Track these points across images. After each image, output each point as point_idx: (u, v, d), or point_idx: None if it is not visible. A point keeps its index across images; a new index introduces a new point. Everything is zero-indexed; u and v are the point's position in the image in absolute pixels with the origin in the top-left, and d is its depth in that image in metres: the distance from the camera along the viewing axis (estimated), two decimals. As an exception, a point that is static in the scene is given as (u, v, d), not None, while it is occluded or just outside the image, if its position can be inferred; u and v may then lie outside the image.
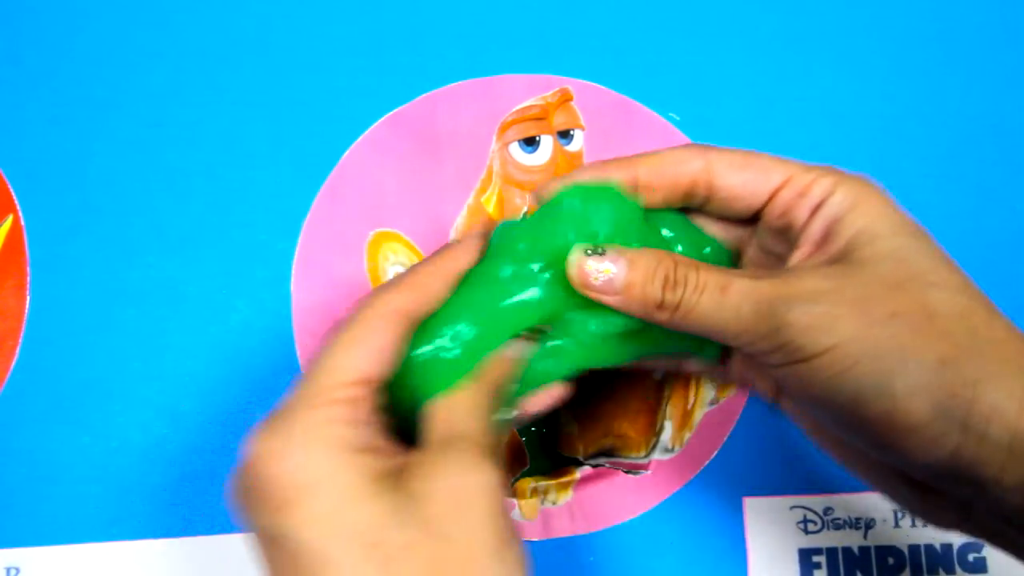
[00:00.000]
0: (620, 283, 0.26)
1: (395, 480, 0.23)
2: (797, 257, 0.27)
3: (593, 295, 0.26)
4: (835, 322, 0.23)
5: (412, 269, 0.27)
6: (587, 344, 0.28)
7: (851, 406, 0.23)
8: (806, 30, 0.40)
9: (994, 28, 0.40)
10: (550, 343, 0.28)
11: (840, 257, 0.25)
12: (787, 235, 0.27)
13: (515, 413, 0.30)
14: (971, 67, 0.40)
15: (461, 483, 0.23)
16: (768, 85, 0.39)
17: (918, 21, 0.40)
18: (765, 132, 0.39)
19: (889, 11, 0.41)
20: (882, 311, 0.23)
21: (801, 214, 0.26)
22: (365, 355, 0.24)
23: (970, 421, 0.22)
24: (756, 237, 0.29)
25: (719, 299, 0.25)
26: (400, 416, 0.26)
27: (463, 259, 0.27)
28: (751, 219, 0.28)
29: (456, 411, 0.25)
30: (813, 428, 0.29)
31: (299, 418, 0.23)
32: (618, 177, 0.27)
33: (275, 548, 0.22)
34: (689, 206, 0.29)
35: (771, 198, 0.27)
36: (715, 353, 0.30)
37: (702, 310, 0.25)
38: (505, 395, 0.27)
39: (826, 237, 0.26)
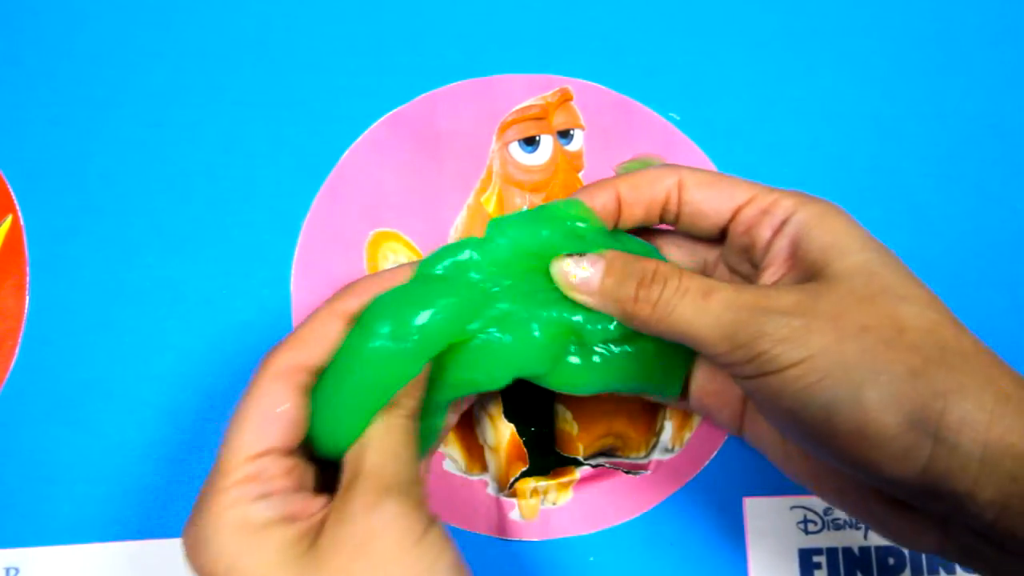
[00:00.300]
0: (596, 281, 0.27)
1: (312, 539, 0.24)
2: (768, 275, 0.27)
3: (573, 295, 0.28)
4: (809, 335, 0.24)
5: (308, 317, 0.27)
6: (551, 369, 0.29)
7: (822, 418, 0.23)
8: (806, 30, 0.40)
9: (994, 28, 0.40)
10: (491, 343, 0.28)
11: (811, 273, 0.26)
12: (751, 253, 0.28)
13: (451, 418, 0.31)
14: (971, 67, 0.40)
15: (362, 527, 0.23)
16: (768, 85, 0.39)
17: (918, 21, 0.40)
18: (765, 132, 0.39)
19: (889, 11, 0.41)
20: (853, 325, 0.24)
21: (764, 232, 0.27)
22: (263, 425, 0.25)
23: (941, 433, 0.22)
24: (723, 257, 0.30)
25: (701, 304, 0.25)
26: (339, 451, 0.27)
27: (354, 302, 0.27)
28: (718, 239, 0.29)
29: (364, 449, 0.26)
30: (782, 457, 0.29)
31: (210, 505, 0.24)
32: (604, 199, 0.29)
33: None
34: (664, 221, 0.30)
35: (735, 215, 0.28)
36: (676, 391, 0.31)
37: (682, 312, 0.25)
38: (426, 411, 0.28)
39: (793, 253, 0.27)
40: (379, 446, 0.25)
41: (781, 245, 0.27)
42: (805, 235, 0.26)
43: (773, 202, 0.27)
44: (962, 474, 0.22)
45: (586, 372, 0.29)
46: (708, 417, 0.32)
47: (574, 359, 0.29)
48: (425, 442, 0.30)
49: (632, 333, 0.28)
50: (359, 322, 0.27)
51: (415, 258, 0.37)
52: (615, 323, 0.28)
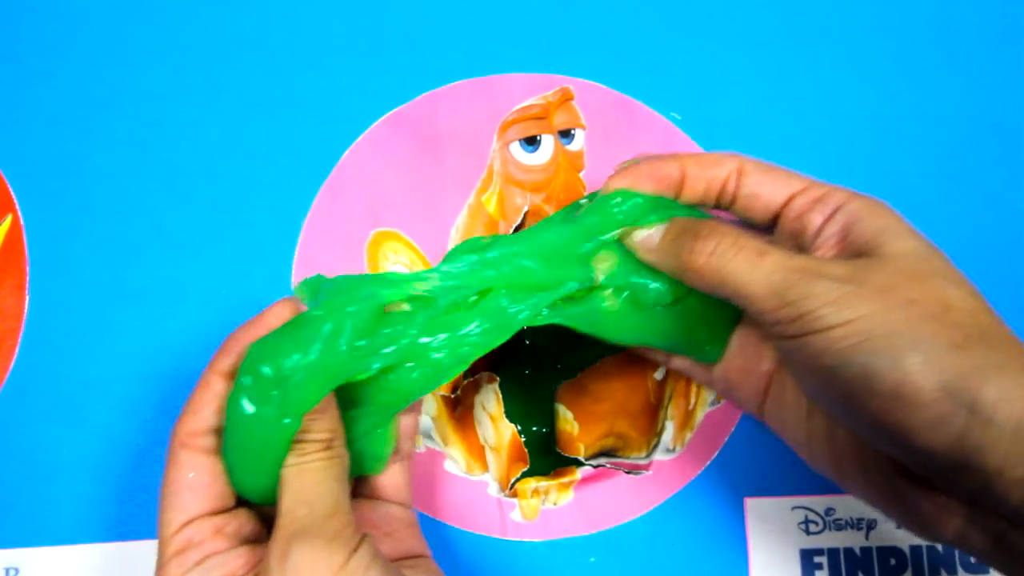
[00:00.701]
0: (657, 237, 0.30)
1: None
2: (818, 255, 0.28)
3: (639, 254, 0.30)
4: (857, 300, 0.24)
5: (199, 378, 0.28)
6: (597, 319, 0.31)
7: (861, 379, 0.24)
8: (807, 30, 0.40)
9: (995, 28, 0.40)
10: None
11: (863, 252, 0.27)
12: (800, 239, 0.29)
13: (407, 419, 0.31)
14: (972, 67, 0.40)
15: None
16: (769, 85, 0.39)
17: (919, 21, 0.40)
18: (766, 131, 0.39)
19: (890, 11, 0.40)
20: (901, 297, 0.25)
21: (816, 218, 0.29)
22: (182, 495, 0.27)
23: (976, 405, 0.23)
24: (771, 243, 0.31)
25: (754, 261, 0.26)
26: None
27: (228, 360, 0.27)
28: (767, 227, 0.31)
29: (278, 496, 0.26)
30: (803, 438, 0.29)
31: None
32: (670, 170, 0.30)
33: None
34: (719, 204, 0.31)
35: (788, 202, 0.30)
36: (716, 356, 0.31)
37: (736, 267, 0.27)
38: (368, 423, 0.29)
39: (843, 237, 0.28)
40: (288, 492, 0.26)
41: (832, 231, 0.28)
42: (857, 221, 0.27)
43: (826, 192, 0.29)
44: (993, 449, 0.23)
45: (629, 320, 0.31)
46: (728, 395, 0.32)
47: (611, 302, 0.31)
48: (378, 451, 0.30)
49: (680, 295, 0.30)
50: (235, 381, 0.26)
51: (416, 258, 0.37)
52: (664, 286, 0.30)
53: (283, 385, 0.26)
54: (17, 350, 0.36)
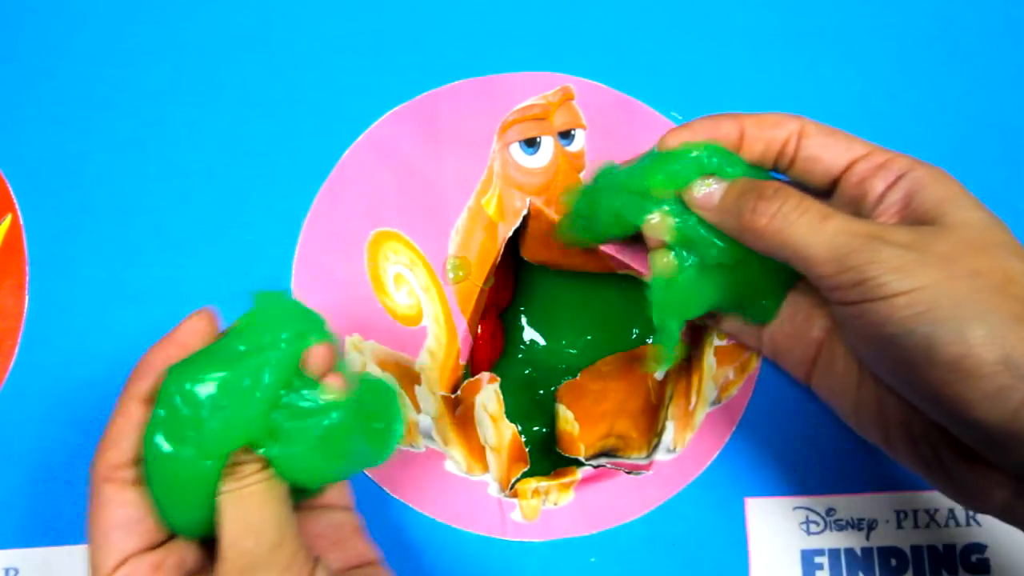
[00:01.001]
0: (718, 196, 0.29)
1: None
2: (880, 222, 0.28)
3: (696, 210, 0.29)
4: (921, 268, 0.24)
5: (114, 407, 0.26)
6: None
7: (922, 348, 0.24)
8: (808, 29, 0.40)
9: (997, 28, 0.40)
10: None
11: (926, 220, 0.27)
12: (860, 205, 0.29)
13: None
14: (973, 66, 0.40)
15: None
16: (770, 84, 0.39)
17: (920, 20, 0.40)
18: (767, 132, 0.39)
19: (891, 10, 0.40)
20: (965, 268, 0.24)
21: (878, 184, 0.28)
22: (110, 535, 0.25)
23: None
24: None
25: (817, 224, 0.26)
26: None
27: (145, 384, 0.26)
28: (826, 193, 0.30)
29: (218, 528, 0.24)
30: (851, 406, 0.29)
31: None
32: (728, 129, 0.30)
33: None
34: (777, 167, 0.31)
35: (849, 166, 0.29)
36: (770, 316, 0.31)
37: (797, 229, 0.26)
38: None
39: (906, 205, 0.27)
40: (229, 522, 0.24)
41: (895, 198, 0.28)
42: (921, 188, 0.27)
43: (890, 159, 0.28)
44: None
45: (695, 286, 0.31)
46: (776, 359, 0.32)
47: (668, 258, 0.31)
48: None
49: (739, 256, 0.30)
50: (152, 412, 0.24)
51: (416, 258, 0.37)
52: (724, 244, 0.29)
53: (200, 427, 0.24)
54: (17, 350, 0.36)
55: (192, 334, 0.27)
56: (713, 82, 0.39)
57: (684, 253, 0.30)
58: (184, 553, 0.26)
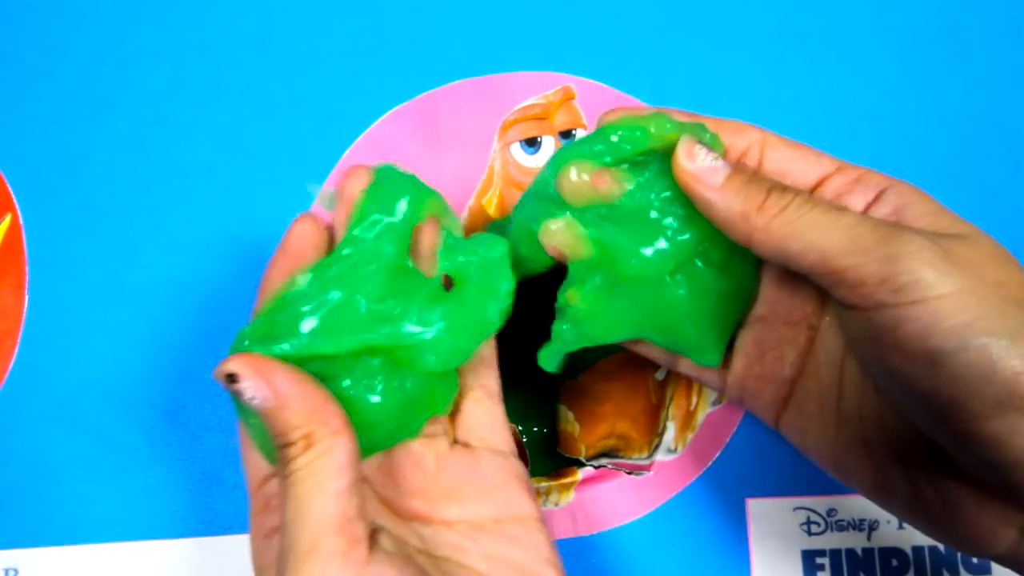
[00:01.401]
0: (724, 174, 0.24)
1: None
2: None
3: (692, 181, 0.25)
4: (951, 267, 0.22)
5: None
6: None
7: (976, 366, 0.21)
8: (810, 29, 0.40)
9: (999, 27, 0.40)
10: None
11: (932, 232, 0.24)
12: None
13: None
14: (976, 66, 0.40)
15: None
16: (771, 84, 0.39)
17: (922, 20, 0.40)
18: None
19: (893, 10, 0.40)
20: (991, 276, 0.22)
21: (857, 199, 0.26)
22: (253, 452, 0.25)
23: None
24: None
25: (834, 216, 0.23)
26: None
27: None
28: None
29: (282, 507, 0.23)
30: (827, 452, 0.27)
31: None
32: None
33: None
34: None
35: (821, 181, 0.26)
36: (715, 359, 0.28)
37: (812, 220, 0.23)
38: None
39: (899, 220, 0.25)
40: (285, 507, 0.23)
41: (883, 212, 0.25)
42: (910, 203, 0.25)
43: (862, 174, 0.26)
44: None
45: (606, 311, 0.27)
46: (742, 401, 0.30)
47: (576, 299, 0.27)
48: (434, 392, 0.27)
49: (683, 259, 0.26)
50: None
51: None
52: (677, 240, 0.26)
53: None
54: (16, 350, 0.36)
55: (303, 241, 0.27)
56: (714, 82, 0.39)
57: (592, 272, 0.27)
58: None
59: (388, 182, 0.27)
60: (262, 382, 0.23)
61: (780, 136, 0.27)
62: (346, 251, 0.26)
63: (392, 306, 0.25)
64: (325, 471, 0.23)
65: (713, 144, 0.26)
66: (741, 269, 0.27)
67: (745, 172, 0.25)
